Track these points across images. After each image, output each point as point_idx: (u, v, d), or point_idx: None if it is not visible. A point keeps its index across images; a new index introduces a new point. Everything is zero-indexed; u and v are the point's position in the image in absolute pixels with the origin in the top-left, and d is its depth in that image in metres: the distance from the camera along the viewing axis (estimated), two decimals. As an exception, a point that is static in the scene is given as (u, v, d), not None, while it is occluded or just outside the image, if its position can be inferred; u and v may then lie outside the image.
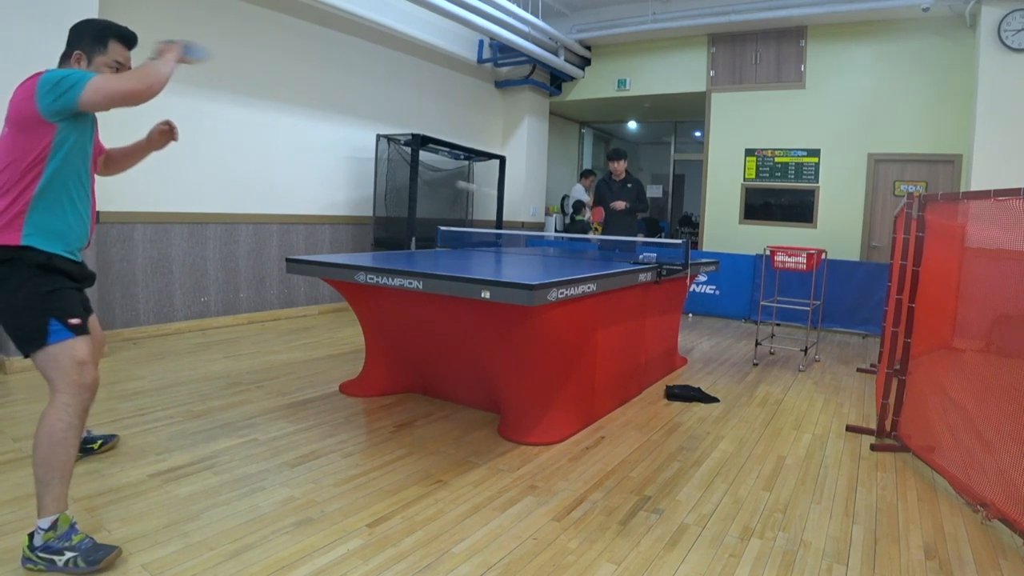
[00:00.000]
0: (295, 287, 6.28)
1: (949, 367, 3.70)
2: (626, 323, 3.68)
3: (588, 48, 8.87)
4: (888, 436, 3.27)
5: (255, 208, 5.83)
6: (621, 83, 8.76)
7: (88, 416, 2.10)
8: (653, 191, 12.79)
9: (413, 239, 6.40)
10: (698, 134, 9.90)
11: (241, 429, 3.06)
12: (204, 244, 5.43)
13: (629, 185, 6.33)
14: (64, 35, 2.11)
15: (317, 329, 5.70)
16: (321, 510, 2.27)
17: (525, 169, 9.17)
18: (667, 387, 4.06)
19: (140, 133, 2.46)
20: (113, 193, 4.58)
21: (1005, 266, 2.63)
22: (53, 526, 1.80)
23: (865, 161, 7.31)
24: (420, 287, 2.84)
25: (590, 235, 6.85)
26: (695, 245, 8.22)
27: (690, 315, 7.30)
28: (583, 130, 11.68)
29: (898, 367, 3.20)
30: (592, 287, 3.01)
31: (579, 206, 8.95)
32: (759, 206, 8.00)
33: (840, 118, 7.39)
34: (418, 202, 6.64)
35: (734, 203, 8.11)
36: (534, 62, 8.26)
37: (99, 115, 2.06)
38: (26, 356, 1.89)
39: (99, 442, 2.69)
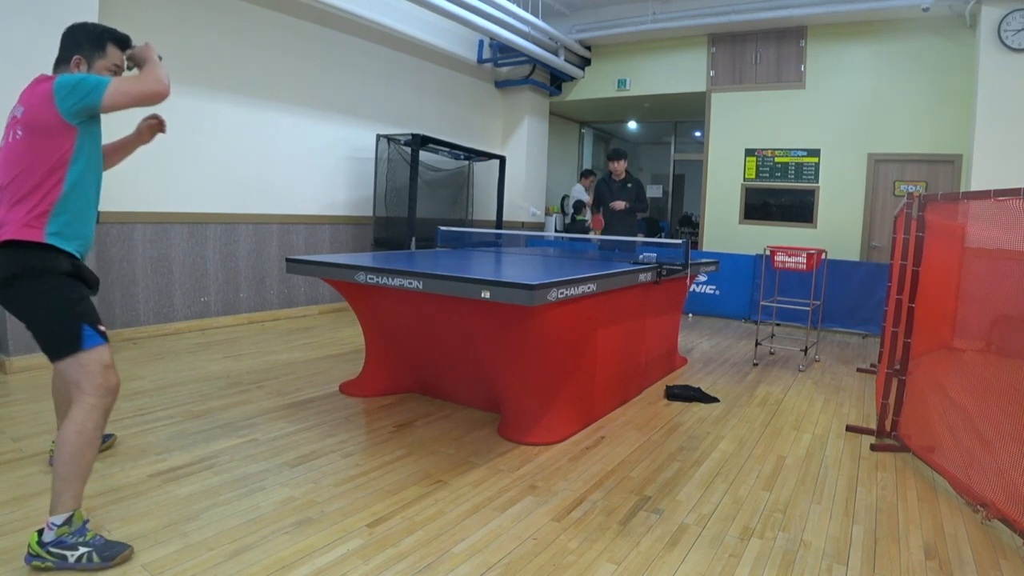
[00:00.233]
0: (295, 287, 6.28)
1: (949, 367, 3.70)
2: (626, 323, 3.68)
3: (588, 48, 8.87)
4: (888, 436, 3.27)
5: (255, 208, 5.83)
6: (621, 83, 8.76)
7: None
8: (653, 191, 12.78)
9: (413, 239, 6.41)
10: (698, 134, 9.90)
11: (241, 429, 3.06)
12: (204, 244, 5.43)
13: (629, 185, 6.32)
14: (64, 35, 2.11)
15: (317, 329, 5.70)
16: (321, 510, 2.27)
17: (525, 169, 9.17)
18: (667, 387, 4.06)
19: (128, 129, 2.45)
20: (113, 193, 4.58)
21: (1005, 266, 2.63)
22: (68, 521, 1.82)
23: (865, 161, 7.31)
24: (420, 287, 2.84)
25: (590, 235, 6.84)
26: (695, 245, 8.22)
27: (690, 315, 7.30)
28: (583, 130, 11.68)
29: (898, 367, 3.20)
30: (592, 287, 3.01)
31: (579, 206, 8.95)
32: (759, 206, 8.00)
33: (840, 118, 7.39)
34: (418, 202, 6.64)
35: (734, 203, 8.11)
36: (534, 62, 8.26)
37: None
38: (54, 361, 1.93)
39: (98, 442, 2.69)
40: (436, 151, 7.16)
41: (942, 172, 6.96)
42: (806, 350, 5.34)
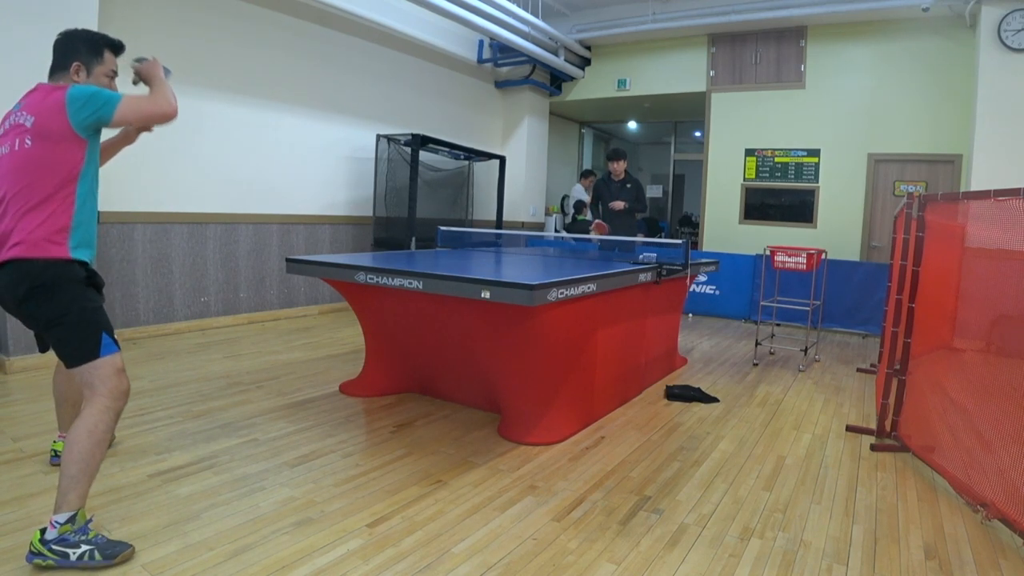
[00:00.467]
0: (295, 287, 6.28)
1: (949, 367, 3.70)
2: (626, 323, 3.68)
3: (588, 48, 8.87)
4: (888, 436, 3.27)
5: (255, 208, 5.83)
6: (621, 83, 8.76)
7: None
8: (653, 191, 12.78)
9: (413, 239, 6.41)
10: (698, 134, 9.90)
11: (241, 429, 3.06)
12: (204, 244, 5.43)
13: (628, 185, 6.32)
14: (64, 36, 2.11)
15: (317, 329, 5.70)
16: (321, 510, 2.27)
17: (525, 169, 9.17)
18: (667, 387, 4.06)
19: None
20: (113, 193, 4.59)
21: (1005, 266, 2.63)
22: (71, 520, 1.82)
23: (865, 161, 7.31)
24: (420, 287, 2.84)
25: (591, 235, 6.84)
26: (695, 245, 8.22)
27: (690, 315, 7.30)
28: (583, 130, 11.67)
29: (898, 367, 3.20)
30: (592, 287, 3.01)
31: (580, 206, 8.95)
32: (759, 206, 8.00)
33: (840, 118, 7.39)
34: (418, 202, 6.64)
35: (734, 203, 8.11)
36: (534, 62, 8.26)
37: None
38: (70, 367, 1.95)
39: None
40: (436, 151, 7.16)
41: (942, 172, 6.96)
42: (806, 350, 5.34)
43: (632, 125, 11.96)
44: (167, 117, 2.05)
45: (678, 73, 8.33)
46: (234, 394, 3.62)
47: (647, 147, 13.54)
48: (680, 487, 2.63)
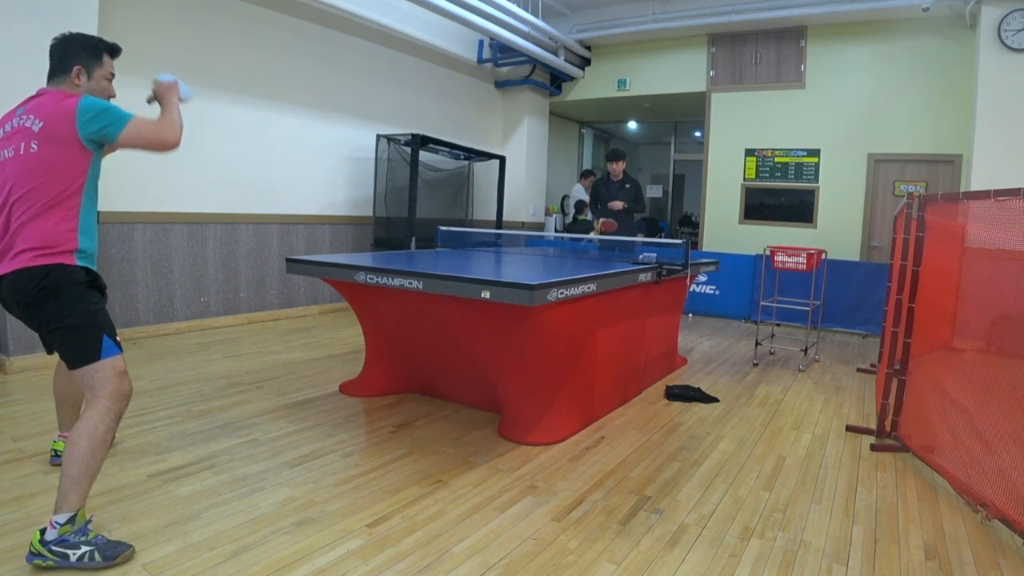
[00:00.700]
0: (295, 287, 6.28)
1: (949, 367, 3.70)
2: (626, 323, 3.68)
3: (588, 48, 8.87)
4: (888, 436, 3.27)
5: (255, 208, 5.83)
6: (621, 83, 8.76)
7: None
8: (653, 191, 12.79)
9: (413, 239, 6.41)
10: (698, 134, 9.90)
11: (241, 429, 3.06)
12: (204, 244, 5.43)
13: (627, 185, 6.32)
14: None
15: (317, 329, 5.70)
16: (321, 510, 2.27)
17: (525, 169, 9.17)
18: (667, 387, 4.06)
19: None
20: (113, 193, 4.58)
21: (1005, 266, 2.63)
22: (71, 520, 1.82)
23: (865, 161, 7.31)
24: (420, 287, 2.84)
25: (592, 235, 6.84)
26: (695, 245, 8.22)
27: (690, 315, 7.30)
28: (583, 130, 11.67)
29: (898, 367, 3.20)
30: (592, 287, 3.01)
31: (581, 206, 8.95)
32: (759, 206, 8.00)
33: (840, 118, 7.39)
34: (418, 202, 6.64)
35: (734, 203, 8.11)
36: (534, 62, 8.26)
37: None
38: (71, 368, 1.97)
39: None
40: (436, 151, 7.16)
41: (942, 172, 6.96)
42: (806, 350, 5.34)
43: (632, 125, 11.96)
44: (168, 147, 2.07)
45: (678, 73, 8.33)
46: (234, 394, 3.62)
47: (647, 147, 13.54)
48: (680, 487, 2.63)
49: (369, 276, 3.05)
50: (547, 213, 9.87)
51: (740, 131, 7.99)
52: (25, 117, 1.95)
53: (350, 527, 2.15)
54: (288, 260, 3.49)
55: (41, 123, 1.92)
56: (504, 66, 8.66)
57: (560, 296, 2.73)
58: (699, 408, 3.78)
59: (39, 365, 3.93)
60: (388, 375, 3.74)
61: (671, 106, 9.34)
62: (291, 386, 3.83)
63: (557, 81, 9.21)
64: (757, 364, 5.03)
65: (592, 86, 9.06)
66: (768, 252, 5.16)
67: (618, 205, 6.23)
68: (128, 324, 4.92)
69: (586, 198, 8.90)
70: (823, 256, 5.22)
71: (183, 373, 4.02)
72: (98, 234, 2.11)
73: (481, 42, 8.20)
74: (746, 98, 7.93)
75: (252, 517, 2.19)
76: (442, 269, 3.07)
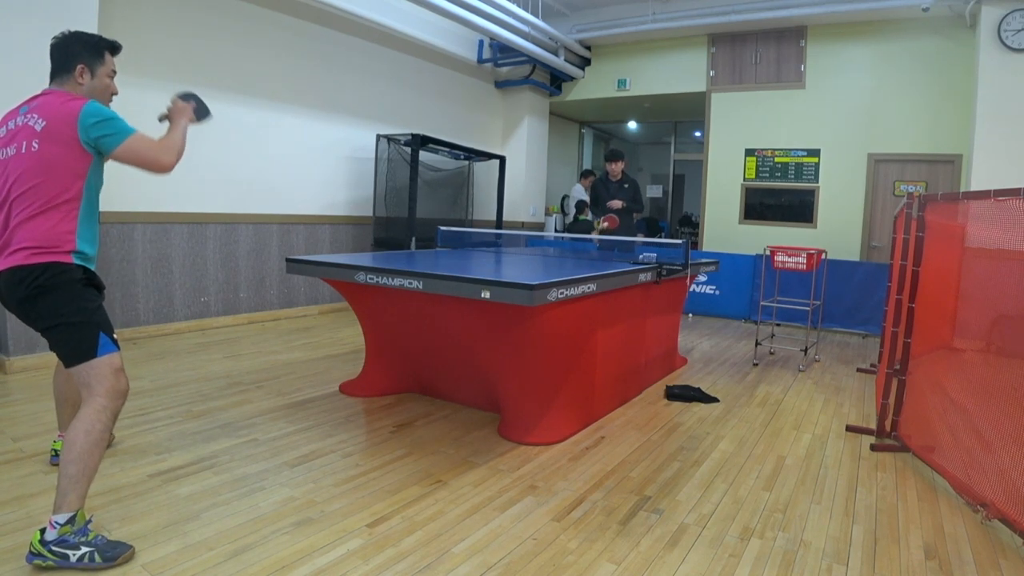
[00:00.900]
0: (295, 287, 6.28)
1: (949, 367, 3.70)
2: (626, 323, 3.68)
3: (588, 48, 8.87)
4: (888, 436, 3.27)
5: (255, 208, 5.83)
6: (621, 83, 8.76)
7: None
8: (653, 191, 12.79)
9: (413, 239, 6.41)
10: (698, 134, 9.90)
11: (241, 429, 3.06)
12: (204, 244, 5.43)
13: (626, 186, 6.33)
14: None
15: (317, 329, 5.70)
16: (321, 510, 2.27)
17: (525, 169, 9.17)
18: (667, 387, 4.06)
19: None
20: (113, 193, 4.56)
21: (1005, 266, 2.63)
22: (71, 521, 1.82)
23: (865, 161, 7.31)
24: (420, 287, 2.84)
25: (592, 235, 6.84)
26: (695, 245, 8.22)
27: (690, 315, 7.30)
28: (583, 130, 11.67)
29: (898, 367, 3.20)
30: (592, 287, 3.01)
31: (581, 206, 8.95)
32: (759, 206, 8.00)
33: (840, 118, 7.39)
34: (418, 202, 6.64)
35: (734, 203, 8.11)
36: (534, 62, 8.26)
37: None
38: (68, 367, 1.96)
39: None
40: (436, 151, 7.16)
41: (942, 172, 6.96)
42: (806, 350, 5.34)
43: (632, 125, 11.96)
44: (161, 170, 2.11)
45: (678, 73, 8.32)
46: (234, 394, 3.62)
47: (647, 147, 13.54)
48: (680, 487, 2.63)
49: (369, 276, 3.05)
50: (547, 213, 9.86)
51: (740, 131, 7.99)
52: (29, 116, 1.95)
53: (350, 527, 2.15)
54: (288, 260, 3.49)
55: (44, 123, 1.93)
56: (504, 66, 8.66)
57: (560, 296, 2.73)
58: (699, 408, 3.78)
59: (39, 365, 3.93)
60: (388, 375, 3.74)
61: (671, 106, 9.34)
62: (291, 386, 3.83)
63: (557, 81, 9.21)
64: (757, 364, 5.03)
65: (592, 86, 9.06)
66: (768, 252, 5.16)
67: (617, 204, 6.23)
68: (128, 324, 4.92)
69: (586, 198, 8.91)
70: (823, 256, 5.22)
71: (183, 373, 4.02)
72: (99, 241, 2.12)
73: (481, 42, 8.20)
74: (746, 98, 7.93)
75: (252, 517, 2.19)
76: (442, 269, 3.07)
